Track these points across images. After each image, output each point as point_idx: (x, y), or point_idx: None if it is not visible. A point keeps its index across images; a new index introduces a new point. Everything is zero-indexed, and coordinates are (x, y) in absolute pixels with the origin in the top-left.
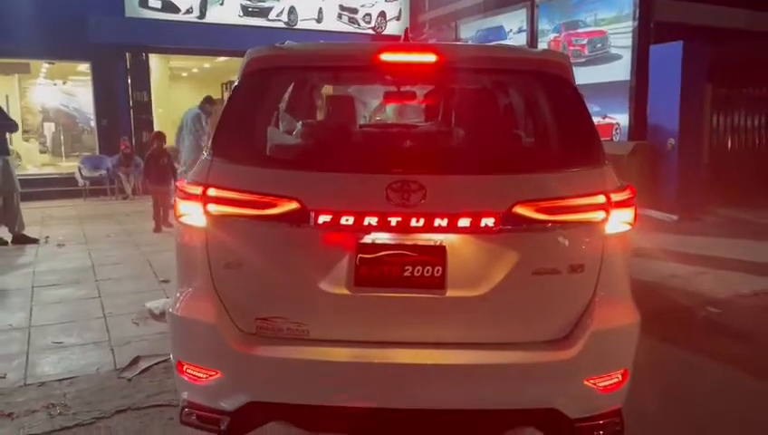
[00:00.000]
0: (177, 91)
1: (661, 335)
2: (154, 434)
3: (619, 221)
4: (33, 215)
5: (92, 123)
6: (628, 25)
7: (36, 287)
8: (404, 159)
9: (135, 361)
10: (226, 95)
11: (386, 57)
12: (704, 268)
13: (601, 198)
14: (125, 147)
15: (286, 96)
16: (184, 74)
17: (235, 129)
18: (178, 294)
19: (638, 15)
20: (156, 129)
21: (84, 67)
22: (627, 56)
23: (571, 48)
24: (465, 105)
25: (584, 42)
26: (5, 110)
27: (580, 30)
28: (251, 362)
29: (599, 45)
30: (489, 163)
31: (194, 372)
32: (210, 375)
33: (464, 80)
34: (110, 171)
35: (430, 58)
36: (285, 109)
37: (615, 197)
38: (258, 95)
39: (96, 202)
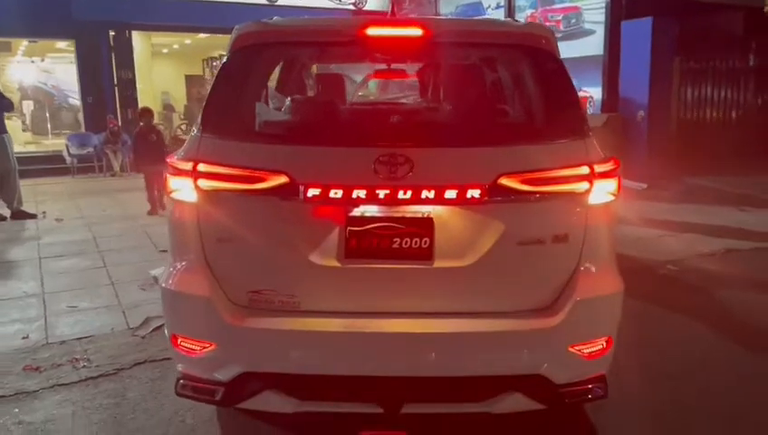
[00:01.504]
0: (159, 68)
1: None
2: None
3: (602, 192)
4: (24, 192)
5: (71, 100)
6: (601, 1)
7: (43, 258)
8: (391, 133)
9: (146, 321)
10: (208, 72)
11: (374, 31)
12: (667, 232)
13: (585, 169)
14: (112, 124)
15: (276, 74)
16: (164, 51)
17: (224, 104)
18: (171, 269)
19: None
20: (140, 105)
21: (63, 44)
22: (600, 31)
23: (547, 23)
24: (450, 79)
25: (559, 17)
26: None
27: (555, 6)
28: (244, 333)
29: (573, 21)
30: (475, 136)
31: (188, 345)
32: (204, 347)
33: (450, 54)
34: (98, 149)
35: (417, 32)
36: (276, 87)
37: (598, 168)
38: (246, 71)
39: (85, 179)
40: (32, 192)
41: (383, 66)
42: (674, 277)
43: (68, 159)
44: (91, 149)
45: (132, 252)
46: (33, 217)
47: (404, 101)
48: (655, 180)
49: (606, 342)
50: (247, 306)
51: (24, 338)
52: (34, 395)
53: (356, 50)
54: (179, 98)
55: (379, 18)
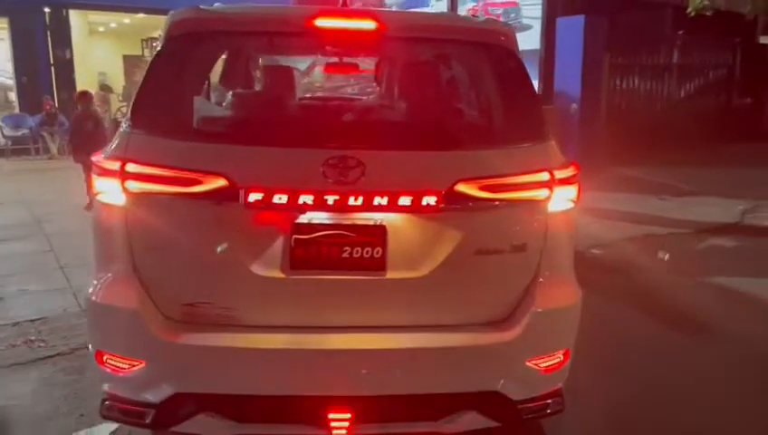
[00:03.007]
0: (96, 48)
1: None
2: None
3: (562, 199)
4: None
5: (7, 80)
6: None
7: None
8: (342, 133)
9: None
10: (147, 52)
11: (323, 22)
12: (594, 219)
13: (545, 176)
14: (48, 106)
15: (219, 66)
16: (101, 29)
17: (157, 98)
18: (97, 279)
19: None
20: (78, 87)
21: None
22: (537, 27)
23: (488, 17)
24: (405, 76)
25: (500, 11)
26: None
27: (496, 0)
28: (177, 350)
29: (512, 15)
30: (431, 138)
31: (115, 363)
32: (133, 365)
33: (404, 49)
34: (34, 130)
35: (371, 25)
36: (219, 80)
37: (559, 174)
38: (182, 62)
39: (21, 162)
40: None
41: (334, 59)
42: (597, 260)
43: (1, 140)
44: (26, 131)
45: (79, 236)
46: None
47: (354, 94)
48: (585, 170)
49: (563, 354)
50: (181, 320)
51: None
52: (36, 365)
53: (304, 41)
54: (117, 79)
55: (329, 8)
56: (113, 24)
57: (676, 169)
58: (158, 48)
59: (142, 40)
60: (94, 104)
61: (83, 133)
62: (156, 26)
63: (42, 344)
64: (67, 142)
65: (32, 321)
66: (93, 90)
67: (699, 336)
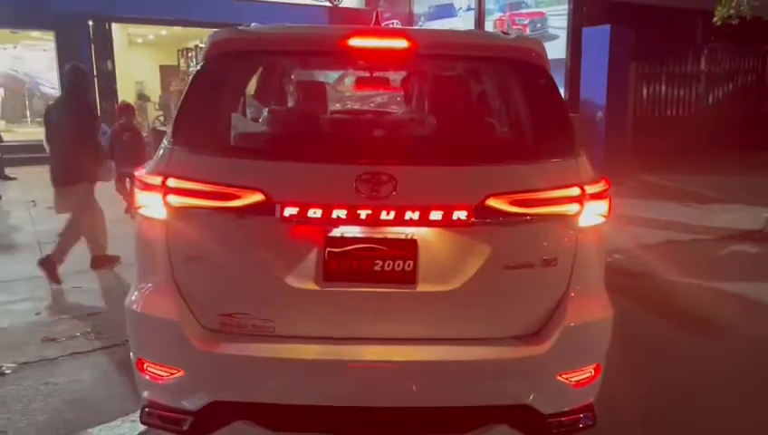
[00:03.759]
0: (134, 58)
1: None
2: None
3: (593, 213)
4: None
5: (42, 88)
6: (564, 8)
7: (42, 243)
8: (374, 150)
9: None
10: (183, 62)
11: (356, 42)
12: (618, 225)
13: (576, 191)
14: None
15: (254, 82)
16: (139, 41)
17: (198, 116)
18: (138, 290)
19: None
20: (119, 96)
21: (36, 33)
22: (563, 36)
23: (515, 27)
24: (437, 93)
25: (526, 22)
26: None
27: (522, 11)
28: (214, 359)
29: (539, 25)
30: (462, 154)
31: (155, 371)
32: (172, 374)
33: (436, 66)
34: None
35: (403, 44)
36: (253, 95)
37: (590, 189)
38: (221, 80)
39: None
40: (17, 181)
41: (365, 74)
42: (618, 265)
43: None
44: None
45: (125, 239)
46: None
47: (383, 103)
48: (610, 178)
49: (594, 369)
50: (218, 331)
51: (36, 314)
52: (55, 362)
53: (338, 60)
54: (154, 88)
55: (362, 28)
56: (151, 36)
57: (701, 177)
58: (199, 67)
59: (178, 50)
60: (136, 117)
61: (122, 145)
62: (191, 38)
63: (97, 336)
64: (110, 154)
65: (88, 315)
66: (132, 99)
67: (715, 337)
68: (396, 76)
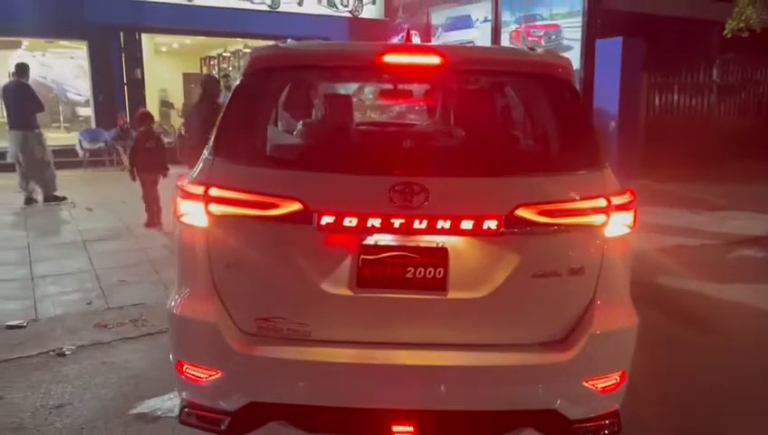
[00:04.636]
0: (158, 66)
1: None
2: None
3: (619, 224)
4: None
5: (69, 95)
6: (578, 21)
7: (86, 241)
8: (407, 161)
9: None
10: (205, 70)
11: (390, 59)
12: None
13: (602, 202)
14: (122, 121)
15: (284, 94)
16: (164, 49)
17: (238, 128)
18: (179, 294)
19: (586, 12)
20: (147, 104)
21: (69, 42)
22: (577, 48)
23: (530, 39)
24: (466, 106)
25: (541, 33)
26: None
27: (537, 23)
28: (252, 362)
29: (553, 37)
30: (491, 165)
31: (194, 373)
32: (210, 375)
33: (466, 81)
34: (109, 144)
35: (435, 60)
36: (283, 107)
37: (615, 200)
38: (260, 94)
39: (97, 172)
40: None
41: (394, 87)
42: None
43: (80, 152)
44: (102, 145)
45: (161, 237)
46: (63, 199)
47: (416, 121)
48: (623, 185)
49: (620, 376)
50: (255, 334)
51: (87, 304)
52: (109, 345)
53: (371, 75)
54: (177, 95)
55: (396, 45)
56: (175, 45)
57: (711, 185)
58: (239, 82)
59: (201, 59)
60: (154, 123)
61: (144, 153)
62: (213, 47)
63: (144, 324)
64: (128, 162)
65: (134, 305)
66: (155, 106)
67: (715, 337)
68: (426, 89)
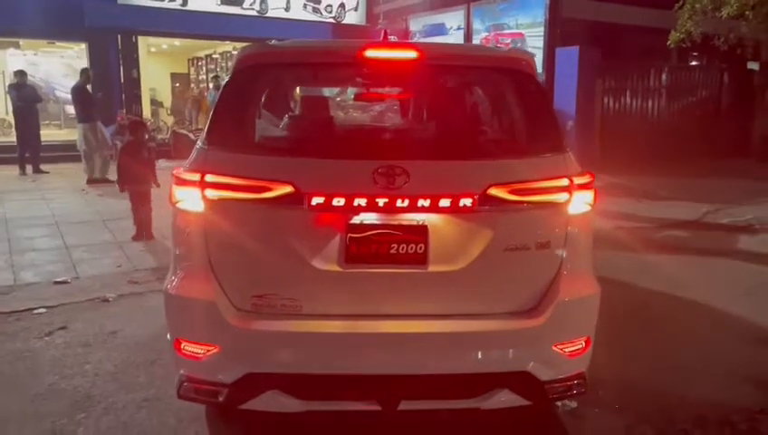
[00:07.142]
0: (150, 66)
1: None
2: None
3: (581, 202)
4: (54, 174)
5: (57, 93)
6: (541, 30)
7: (106, 220)
8: (389, 147)
9: None
10: (193, 71)
11: (371, 53)
12: None
13: (565, 181)
14: (120, 118)
15: (268, 91)
16: (153, 50)
17: (229, 120)
18: (176, 276)
19: (547, 23)
20: (143, 102)
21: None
22: (539, 55)
23: (498, 45)
24: (441, 98)
25: (508, 41)
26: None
27: (505, 31)
28: (248, 335)
29: (519, 44)
30: (466, 150)
31: (192, 349)
32: (209, 351)
33: (441, 75)
34: (109, 139)
35: (411, 54)
36: (262, 105)
37: (577, 180)
38: (248, 89)
39: None
40: (60, 174)
41: (373, 85)
42: None
43: (82, 146)
44: None
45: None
46: (111, 182)
47: (395, 112)
48: None
49: (585, 341)
50: (251, 310)
51: (118, 266)
52: (142, 295)
53: (352, 71)
54: (165, 94)
55: (376, 41)
56: (165, 46)
57: (659, 180)
58: (229, 77)
59: (188, 59)
60: (149, 132)
61: (134, 164)
62: (200, 48)
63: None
64: (117, 171)
65: (155, 269)
66: (147, 104)
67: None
68: (405, 83)
